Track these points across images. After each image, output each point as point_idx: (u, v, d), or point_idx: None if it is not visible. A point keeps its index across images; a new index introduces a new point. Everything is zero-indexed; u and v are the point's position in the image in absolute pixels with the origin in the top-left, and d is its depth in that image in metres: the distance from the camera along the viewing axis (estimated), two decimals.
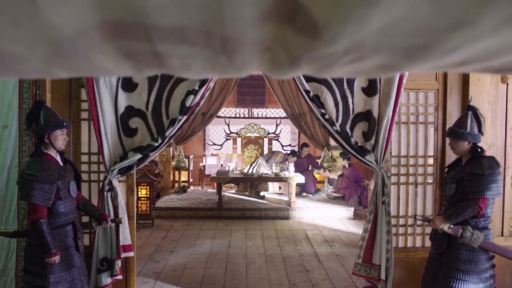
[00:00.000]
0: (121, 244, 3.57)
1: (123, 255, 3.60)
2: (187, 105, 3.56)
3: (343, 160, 8.40)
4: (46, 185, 2.82)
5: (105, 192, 3.54)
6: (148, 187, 6.91)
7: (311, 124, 9.12)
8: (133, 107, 3.63)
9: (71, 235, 3.02)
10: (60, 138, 2.98)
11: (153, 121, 3.63)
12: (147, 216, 6.88)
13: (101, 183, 3.63)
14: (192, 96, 3.56)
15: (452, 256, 3.04)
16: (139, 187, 6.85)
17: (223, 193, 8.01)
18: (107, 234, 3.55)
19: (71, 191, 3.03)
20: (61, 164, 3.02)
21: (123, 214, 3.60)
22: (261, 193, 8.66)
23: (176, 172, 9.32)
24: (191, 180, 9.92)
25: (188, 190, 9.28)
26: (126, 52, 0.59)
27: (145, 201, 6.89)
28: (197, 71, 0.67)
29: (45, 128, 2.91)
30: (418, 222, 3.79)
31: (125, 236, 3.62)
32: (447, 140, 3.48)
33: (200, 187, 10.04)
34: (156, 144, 3.56)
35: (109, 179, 3.55)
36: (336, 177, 8.90)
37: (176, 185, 9.33)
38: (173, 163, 9.14)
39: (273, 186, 9.18)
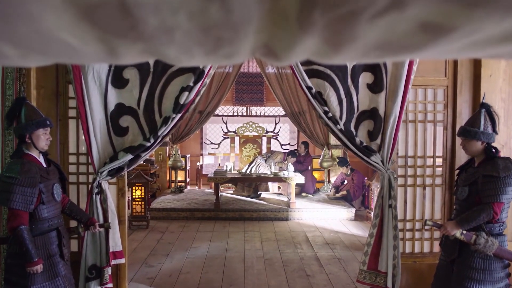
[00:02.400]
0: (111, 250, 3.36)
1: (113, 262, 3.39)
2: (181, 102, 3.34)
3: (346, 168, 8.12)
4: (27, 189, 2.60)
5: (94, 195, 3.33)
6: (143, 187, 6.69)
7: (310, 123, 8.93)
8: (124, 104, 3.42)
9: (55, 242, 2.80)
10: (43, 138, 2.76)
11: (145, 120, 3.41)
12: (142, 217, 6.66)
13: (90, 185, 3.42)
14: (186, 93, 3.34)
15: (464, 264, 2.84)
16: (134, 187, 6.63)
17: (220, 193, 7.80)
18: (96, 240, 3.34)
19: (55, 194, 2.81)
20: (44, 166, 2.81)
21: (113, 218, 3.39)
22: (258, 192, 8.45)
23: (173, 172, 9.11)
24: (188, 180, 9.70)
25: (185, 190, 9.07)
26: (83, 8, 0.42)
27: (140, 202, 6.67)
28: (183, 40, 0.47)
29: (26, 127, 2.70)
30: (427, 227, 3.59)
31: (116, 242, 3.41)
32: (457, 139, 3.28)
33: (197, 187, 9.83)
34: (148, 144, 3.35)
35: (98, 181, 3.33)
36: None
37: (173, 185, 9.12)
38: (170, 162, 8.93)
39: (272, 186, 8.98)
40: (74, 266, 3.09)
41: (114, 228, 3.39)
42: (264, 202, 7.87)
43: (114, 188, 3.56)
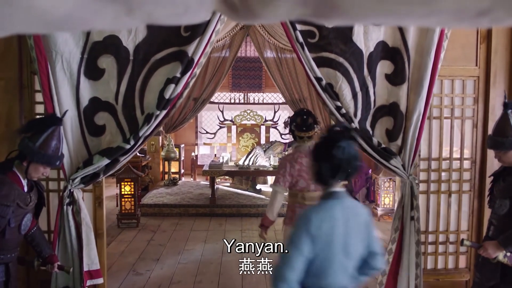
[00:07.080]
0: (86, 269, 2.89)
1: (88, 283, 2.92)
2: (167, 96, 2.82)
3: None
4: None
5: (65, 206, 2.84)
6: (132, 183, 6.18)
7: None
8: (100, 99, 2.90)
9: (1, 278, 2.34)
10: (39, 173, 2.36)
11: (125, 117, 2.91)
12: (131, 215, 6.18)
13: (61, 194, 2.92)
14: (172, 86, 2.82)
15: None
16: (122, 183, 6.14)
17: (217, 186, 7.33)
18: (68, 257, 2.86)
19: (22, 226, 2.37)
20: (25, 191, 2.34)
21: (88, 232, 2.90)
22: (258, 186, 7.98)
23: (166, 163, 8.62)
24: (182, 171, 9.21)
25: (179, 182, 8.58)
26: None
27: (129, 199, 6.18)
28: None
29: (33, 155, 2.27)
30: (451, 239, 3.12)
31: (92, 259, 2.93)
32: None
33: (192, 179, 9.35)
34: (128, 147, 2.84)
35: (70, 190, 2.84)
36: None
37: (166, 177, 8.63)
38: (163, 153, 8.44)
39: (271, 178, 8.51)
40: None
41: (90, 244, 2.91)
42: (263, 197, 7.41)
43: (90, 196, 3.07)
